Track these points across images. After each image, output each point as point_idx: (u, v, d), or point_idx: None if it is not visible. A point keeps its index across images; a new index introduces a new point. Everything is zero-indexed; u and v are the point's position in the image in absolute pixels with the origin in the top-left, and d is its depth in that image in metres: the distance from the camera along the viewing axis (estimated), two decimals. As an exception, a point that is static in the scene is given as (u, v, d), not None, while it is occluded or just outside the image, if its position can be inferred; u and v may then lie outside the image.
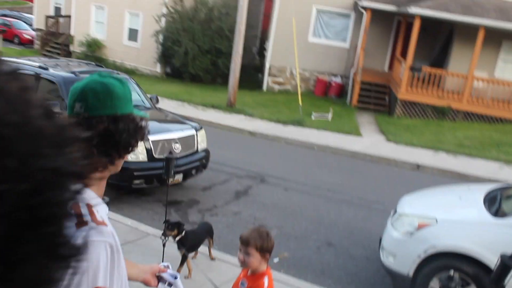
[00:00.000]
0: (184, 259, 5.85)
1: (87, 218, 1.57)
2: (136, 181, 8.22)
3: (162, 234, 5.67)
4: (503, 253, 3.22)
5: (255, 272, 3.43)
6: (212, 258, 6.45)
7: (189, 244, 5.92)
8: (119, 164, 1.88)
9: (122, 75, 10.53)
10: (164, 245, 5.54)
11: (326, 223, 8.42)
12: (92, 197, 1.67)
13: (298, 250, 7.33)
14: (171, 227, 5.72)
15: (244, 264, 3.40)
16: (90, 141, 1.67)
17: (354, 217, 8.78)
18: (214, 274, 6.23)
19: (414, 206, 6.37)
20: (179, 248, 5.84)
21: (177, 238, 5.78)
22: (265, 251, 3.38)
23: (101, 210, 1.72)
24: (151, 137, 8.29)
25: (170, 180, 7.86)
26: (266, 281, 3.37)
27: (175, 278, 2.55)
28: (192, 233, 6.09)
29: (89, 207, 1.62)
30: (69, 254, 0.65)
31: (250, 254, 3.36)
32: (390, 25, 21.21)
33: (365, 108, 19.50)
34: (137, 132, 1.82)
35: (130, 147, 1.82)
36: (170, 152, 7.61)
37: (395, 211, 6.48)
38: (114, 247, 1.63)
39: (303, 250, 7.34)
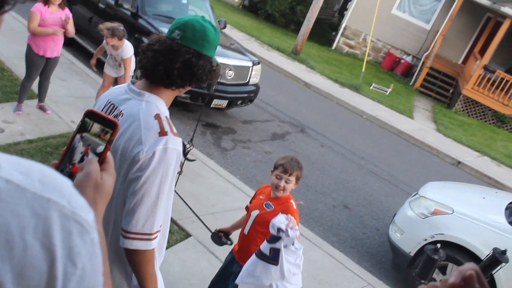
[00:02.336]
0: None
1: (167, 128, 2.01)
2: (182, 95, 8.44)
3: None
4: (496, 248, 3.28)
5: (281, 195, 3.61)
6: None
7: None
8: (185, 90, 2.23)
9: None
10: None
11: (349, 187, 8.52)
12: (167, 111, 2.13)
13: (314, 203, 7.48)
14: None
15: (283, 190, 3.56)
16: (174, 63, 2.04)
17: (378, 190, 8.84)
18: (228, 198, 6.47)
19: (436, 192, 6.39)
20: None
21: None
22: (298, 179, 3.62)
23: None
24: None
25: (214, 103, 8.05)
26: (293, 202, 3.59)
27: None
28: None
29: (167, 119, 2.06)
30: None
31: (290, 182, 3.55)
32: (479, 19, 20.47)
33: (426, 94, 19.13)
34: (211, 73, 2.17)
35: (200, 81, 2.17)
36: (221, 74, 7.78)
37: (416, 193, 6.53)
38: (180, 155, 2.05)
39: (319, 204, 7.49)
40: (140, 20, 8.85)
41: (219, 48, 8.79)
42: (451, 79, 19.34)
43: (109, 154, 1.19)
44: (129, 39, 8.22)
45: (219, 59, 8.03)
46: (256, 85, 9.40)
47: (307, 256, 5.97)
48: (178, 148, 2.02)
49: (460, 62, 21.09)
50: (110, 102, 2.16)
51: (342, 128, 11.99)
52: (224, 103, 8.71)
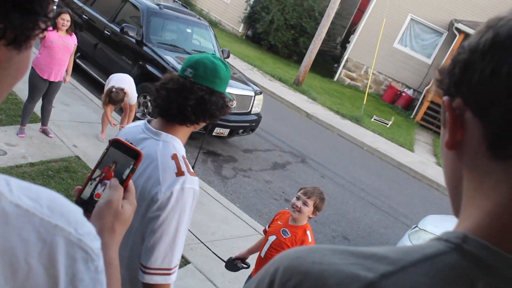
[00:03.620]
0: None
1: (184, 168, 2.07)
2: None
3: None
4: None
5: (297, 223, 3.75)
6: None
7: None
8: (200, 127, 2.29)
9: (203, 22, 10.78)
10: None
11: (349, 218, 8.50)
12: (183, 149, 2.19)
13: (314, 233, 7.35)
14: None
15: (298, 211, 3.69)
16: (188, 100, 2.14)
17: (378, 222, 8.82)
18: (228, 226, 6.46)
19: (437, 226, 6.37)
20: None
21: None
22: (317, 209, 3.73)
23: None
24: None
25: (216, 131, 8.08)
26: (309, 234, 3.72)
27: None
28: None
29: (184, 158, 2.13)
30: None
31: (307, 205, 3.68)
32: (479, 55, 20.67)
33: (426, 128, 19.22)
34: (223, 108, 2.24)
35: (214, 117, 2.23)
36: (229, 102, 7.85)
37: (416, 226, 6.51)
38: (197, 193, 2.11)
39: (319, 235, 7.46)
40: (145, 48, 8.95)
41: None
42: (451, 113, 19.42)
43: (131, 183, 1.22)
44: (133, 66, 8.32)
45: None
46: (258, 114, 9.47)
47: None
48: (195, 187, 2.08)
49: (460, 96, 21.20)
50: (128, 141, 2.21)
51: (343, 160, 12.01)
52: (225, 131, 8.76)
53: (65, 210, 0.78)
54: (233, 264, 4.07)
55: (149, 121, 2.24)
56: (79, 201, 1.21)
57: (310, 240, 3.70)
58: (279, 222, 3.89)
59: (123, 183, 1.21)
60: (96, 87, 9.79)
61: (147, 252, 2.03)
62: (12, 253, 0.71)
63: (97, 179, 1.23)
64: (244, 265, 4.08)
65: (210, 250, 5.56)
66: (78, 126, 7.90)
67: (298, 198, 3.72)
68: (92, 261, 0.80)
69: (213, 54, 2.27)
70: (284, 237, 3.73)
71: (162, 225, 2.01)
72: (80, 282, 0.78)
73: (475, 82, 0.72)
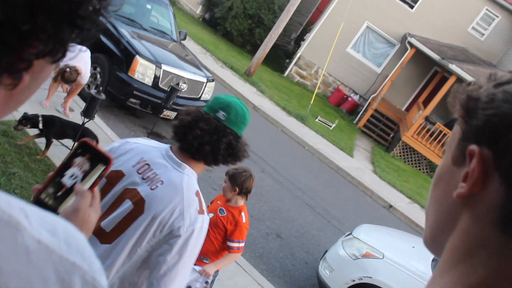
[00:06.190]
0: (48, 143, 5.99)
1: (204, 208, 2.15)
2: (133, 100, 8.31)
3: (14, 127, 5.86)
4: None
5: (233, 205, 4.08)
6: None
7: (55, 130, 6.00)
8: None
9: (164, 0, 10.57)
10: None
11: (283, 217, 8.57)
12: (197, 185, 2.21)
13: (249, 228, 7.47)
14: (25, 122, 5.79)
15: (223, 190, 4.07)
16: (220, 144, 2.17)
17: (311, 223, 8.94)
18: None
19: (370, 235, 6.52)
20: (42, 131, 5.97)
21: (40, 126, 5.86)
22: (238, 186, 3.99)
23: None
24: (164, 67, 8.37)
25: (163, 113, 7.97)
26: (243, 216, 4.04)
27: None
28: (61, 123, 6.12)
29: (198, 194, 2.15)
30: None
31: (226, 183, 4.02)
32: (427, 71, 21.25)
33: (367, 134, 19.62)
34: (245, 151, 2.29)
35: (238, 161, 2.29)
36: (177, 84, 7.70)
37: (350, 233, 6.64)
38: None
39: (252, 230, 7.48)
40: (101, 18, 8.67)
41: (175, 58, 8.75)
42: (393, 123, 19.93)
43: (96, 189, 1.16)
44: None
45: (175, 70, 7.94)
46: (206, 101, 9.35)
47: (234, 280, 5.96)
48: (207, 227, 2.17)
49: (404, 108, 21.78)
50: (145, 161, 2.19)
51: (284, 156, 12.09)
52: (173, 114, 8.62)
53: (79, 244, 0.74)
54: None
55: (172, 149, 2.23)
56: (37, 201, 1.13)
57: (244, 221, 4.00)
58: (218, 202, 4.18)
59: (90, 188, 1.14)
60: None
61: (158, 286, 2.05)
62: None
63: (59, 180, 1.15)
64: None
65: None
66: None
67: (225, 181, 4.06)
68: None
69: (239, 99, 2.31)
70: (221, 215, 4.03)
71: (179, 262, 2.03)
72: None
73: None
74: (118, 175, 2.14)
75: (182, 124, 2.20)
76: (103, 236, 2.10)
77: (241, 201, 4.08)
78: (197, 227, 2.06)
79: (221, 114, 2.18)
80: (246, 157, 2.32)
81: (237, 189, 3.98)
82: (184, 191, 2.10)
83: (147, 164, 2.16)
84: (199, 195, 2.16)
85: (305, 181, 11.02)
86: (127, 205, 2.09)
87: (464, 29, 20.52)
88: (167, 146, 2.27)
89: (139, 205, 2.07)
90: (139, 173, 2.14)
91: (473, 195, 0.72)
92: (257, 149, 11.10)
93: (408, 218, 12.20)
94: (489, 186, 0.71)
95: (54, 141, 6.18)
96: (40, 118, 5.84)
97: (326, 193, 11.13)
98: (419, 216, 12.69)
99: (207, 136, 2.14)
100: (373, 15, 20.93)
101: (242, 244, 4.12)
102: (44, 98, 7.50)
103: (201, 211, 2.11)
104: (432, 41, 19.52)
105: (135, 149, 2.24)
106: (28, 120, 5.79)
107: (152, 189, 2.09)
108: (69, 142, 6.43)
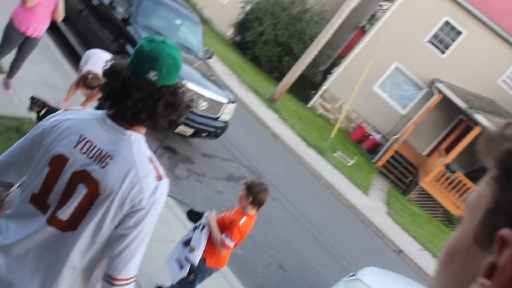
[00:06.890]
0: None
1: (161, 171, 2.05)
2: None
3: (29, 108, 5.83)
4: None
5: (244, 211, 4.31)
6: None
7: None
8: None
9: (194, 17, 10.55)
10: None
11: (289, 248, 8.36)
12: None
13: (252, 255, 7.28)
14: (39, 104, 5.76)
15: (240, 199, 4.32)
16: (157, 108, 1.97)
17: (317, 259, 8.70)
18: (166, 228, 6.23)
19: (375, 279, 6.28)
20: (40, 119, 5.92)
21: (41, 113, 5.81)
22: (253, 195, 4.21)
23: None
24: (186, 83, 8.28)
25: (179, 129, 7.87)
26: (243, 219, 4.23)
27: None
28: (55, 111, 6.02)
29: (151, 160, 2.06)
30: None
31: (243, 190, 4.29)
32: (452, 118, 20.96)
33: (385, 175, 19.32)
34: (183, 100, 2.08)
35: (181, 116, 2.13)
36: (192, 101, 7.60)
37: (354, 274, 6.40)
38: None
39: (256, 258, 7.29)
40: (129, 28, 8.64)
41: (198, 77, 8.67)
42: (412, 167, 19.62)
43: None
44: (113, 43, 8.02)
45: (196, 88, 7.87)
46: (225, 122, 9.24)
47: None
48: (167, 190, 2.10)
49: (425, 153, 21.46)
50: (85, 138, 2.00)
51: (298, 187, 11.89)
52: (189, 131, 8.50)
53: None
54: (194, 212, 4.68)
55: (108, 115, 2.04)
56: None
57: (241, 223, 4.19)
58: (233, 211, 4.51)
59: None
60: (69, 52, 9.45)
61: (121, 262, 1.98)
62: None
63: None
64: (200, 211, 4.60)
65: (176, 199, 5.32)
66: (41, 88, 7.56)
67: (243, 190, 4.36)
68: None
69: (163, 40, 2.01)
70: (228, 214, 4.40)
71: (140, 234, 1.97)
72: None
73: None
74: (61, 161, 1.97)
75: (110, 93, 1.98)
76: (63, 225, 1.96)
77: (252, 211, 4.30)
78: (157, 195, 1.99)
79: (152, 75, 1.94)
80: (187, 101, 2.15)
81: (251, 198, 4.20)
82: (137, 161, 1.98)
83: (89, 141, 1.98)
84: (153, 160, 2.05)
85: (316, 214, 10.79)
86: (80, 190, 1.95)
87: (493, 81, 20.24)
88: (102, 113, 2.07)
89: (94, 187, 1.93)
90: (84, 153, 1.96)
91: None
92: (271, 176, 10.93)
93: (417, 265, 11.87)
94: None
95: None
96: (45, 108, 5.82)
97: (336, 229, 10.88)
98: (429, 265, 12.35)
99: (141, 104, 1.95)
100: (403, 56, 20.80)
101: (229, 242, 4.20)
102: (63, 99, 7.44)
103: (159, 177, 2.02)
104: (460, 89, 19.29)
105: (70, 127, 2.02)
106: (35, 103, 5.78)
107: (102, 167, 1.94)
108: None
